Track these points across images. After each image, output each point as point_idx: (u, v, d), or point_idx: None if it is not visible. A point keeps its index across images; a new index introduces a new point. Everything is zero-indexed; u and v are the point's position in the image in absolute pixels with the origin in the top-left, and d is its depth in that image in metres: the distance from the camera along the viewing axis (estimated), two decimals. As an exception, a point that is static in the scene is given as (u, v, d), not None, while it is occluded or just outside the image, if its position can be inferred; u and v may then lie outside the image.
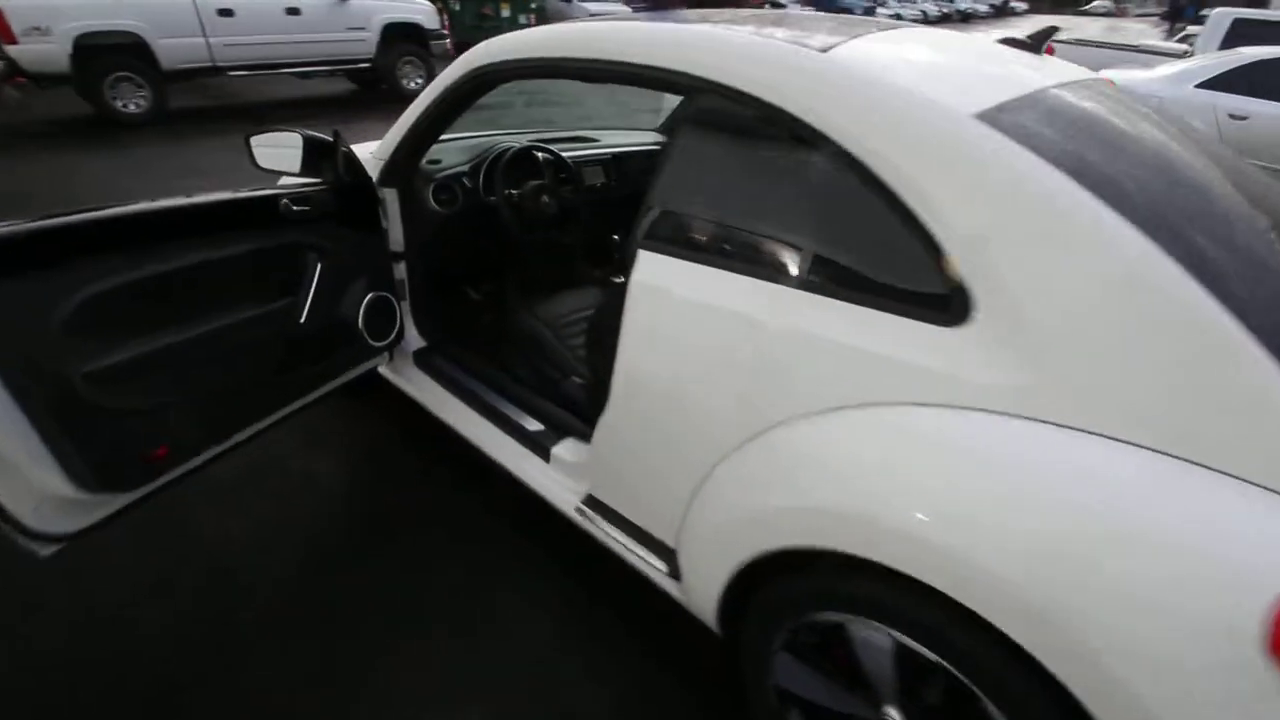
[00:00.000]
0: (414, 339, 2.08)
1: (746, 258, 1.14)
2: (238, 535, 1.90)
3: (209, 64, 6.82)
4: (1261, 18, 6.69)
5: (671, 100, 2.67)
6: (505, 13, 12.93)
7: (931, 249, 0.94)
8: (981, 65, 1.20)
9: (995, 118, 0.98)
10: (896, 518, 0.90)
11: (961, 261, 0.92)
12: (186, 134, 6.39)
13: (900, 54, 1.15)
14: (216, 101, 8.00)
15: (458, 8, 11.75)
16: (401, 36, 8.05)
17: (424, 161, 1.98)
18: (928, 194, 0.94)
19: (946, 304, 0.93)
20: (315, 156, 1.73)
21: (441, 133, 1.85)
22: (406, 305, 2.04)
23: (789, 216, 1.11)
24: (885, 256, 1.00)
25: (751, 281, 1.11)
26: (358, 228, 1.82)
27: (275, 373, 1.62)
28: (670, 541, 1.36)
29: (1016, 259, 0.89)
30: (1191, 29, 12.23)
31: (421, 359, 2.06)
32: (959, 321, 0.92)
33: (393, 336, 1.94)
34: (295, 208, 1.62)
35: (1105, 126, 1.11)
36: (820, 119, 1.04)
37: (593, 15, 14.64)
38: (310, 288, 1.65)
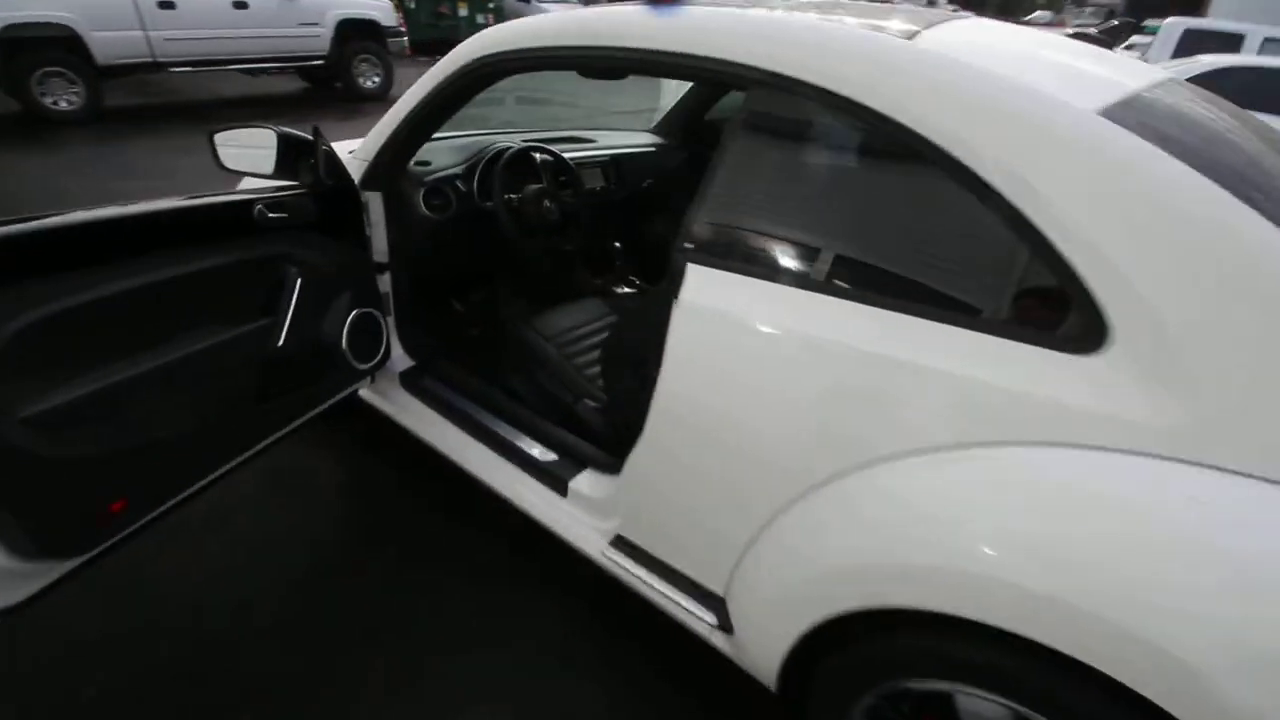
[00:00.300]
0: (399, 358, 1.88)
1: (827, 276, 1.00)
2: (202, 585, 1.67)
3: (149, 59, 6.39)
4: (1211, 28, 6.93)
5: (670, 98, 2.54)
6: (463, 11, 12.63)
7: (1058, 265, 0.82)
8: (1074, 60, 1.09)
9: (1121, 117, 0.86)
10: (1035, 580, 0.77)
11: (1096, 280, 0.79)
12: (125, 133, 5.96)
13: (989, 44, 1.03)
14: (158, 99, 7.51)
15: (413, 6, 11.40)
16: (357, 33, 7.71)
17: (412, 163, 1.79)
18: (1053, 203, 0.81)
19: (1079, 327, 0.81)
20: (292, 156, 1.53)
21: (433, 131, 1.66)
22: (391, 322, 1.85)
23: (878, 229, 0.97)
24: (1000, 274, 0.87)
25: (836, 303, 0.96)
26: (340, 237, 1.62)
27: (250, 404, 1.41)
28: (718, 589, 1.21)
29: (1162, 276, 0.77)
30: (1135, 39, 12.71)
31: (409, 380, 1.86)
32: (1093, 348, 0.80)
33: (379, 357, 1.74)
34: (271, 215, 1.42)
35: (1228, 130, 1.01)
36: (915, 118, 0.90)
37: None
38: (289, 306, 1.44)
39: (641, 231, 2.37)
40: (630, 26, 1.20)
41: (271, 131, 1.51)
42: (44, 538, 1.07)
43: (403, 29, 8.24)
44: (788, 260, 1.04)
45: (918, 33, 1.01)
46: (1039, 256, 0.83)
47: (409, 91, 1.60)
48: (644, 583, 1.31)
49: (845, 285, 0.97)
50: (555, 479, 1.51)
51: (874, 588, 0.92)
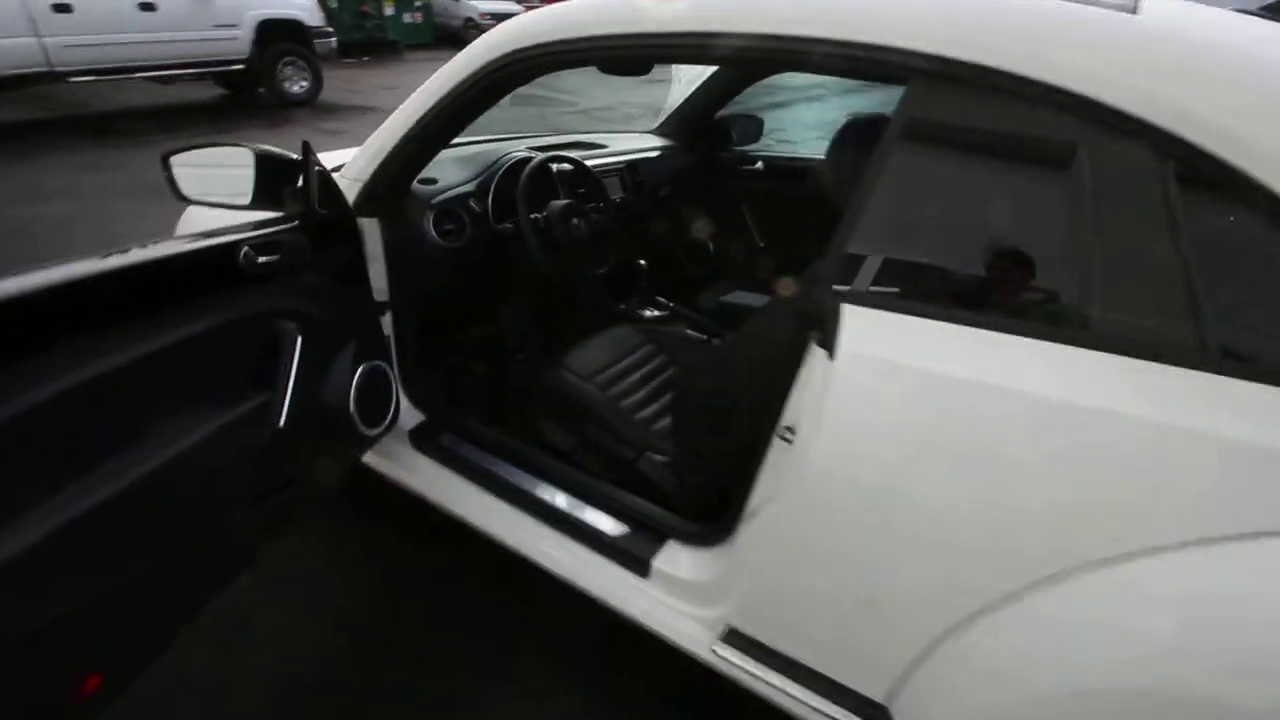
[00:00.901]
0: (406, 412, 1.58)
1: (1053, 318, 0.79)
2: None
3: (44, 69, 5.71)
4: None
5: (677, 97, 2.29)
6: (389, 10, 12.06)
7: None
8: None
9: None
10: None
11: None
12: (23, 152, 5.30)
13: (1212, 23, 0.83)
14: (58, 113, 6.76)
15: (335, 5, 10.77)
16: (280, 35, 7.13)
17: (415, 181, 1.49)
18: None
19: None
20: (275, 181, 1.22)
21: (447, 143, 1.38)
22: (395, 371, 1.55)
23: (1124, 258, 0.76)
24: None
25: (1072, 353, 0.75)
26: (341, 277, 1.32)
27: (248, 508, 1.10)
28: (877, 695, 0.99)
29: None
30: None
31: (421, 438, 1.57)
32: None
33: (389, 417, 1.45)
34: (261, 259, 1.11)
35: None
36: (1174, 114, 0.70)
37: (484, 13, 14.11)
38: (290, 374, 1.14)
39: (667, 246, 2.12)
40: (760, 5, 0.95)
41: (248, 151, 1.19)
42: None
43: (330, 29, 7.70)
44: (1001, 299, 0.82)
45: (1135, 4, 0.80)
46: None
47: (415, 96, 1.30)
48: (770, 685, 1.08)
49: (1083, 330, 0.76)
50: (632, 558, 1.26)
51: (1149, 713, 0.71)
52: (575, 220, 1.67)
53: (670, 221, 2.16)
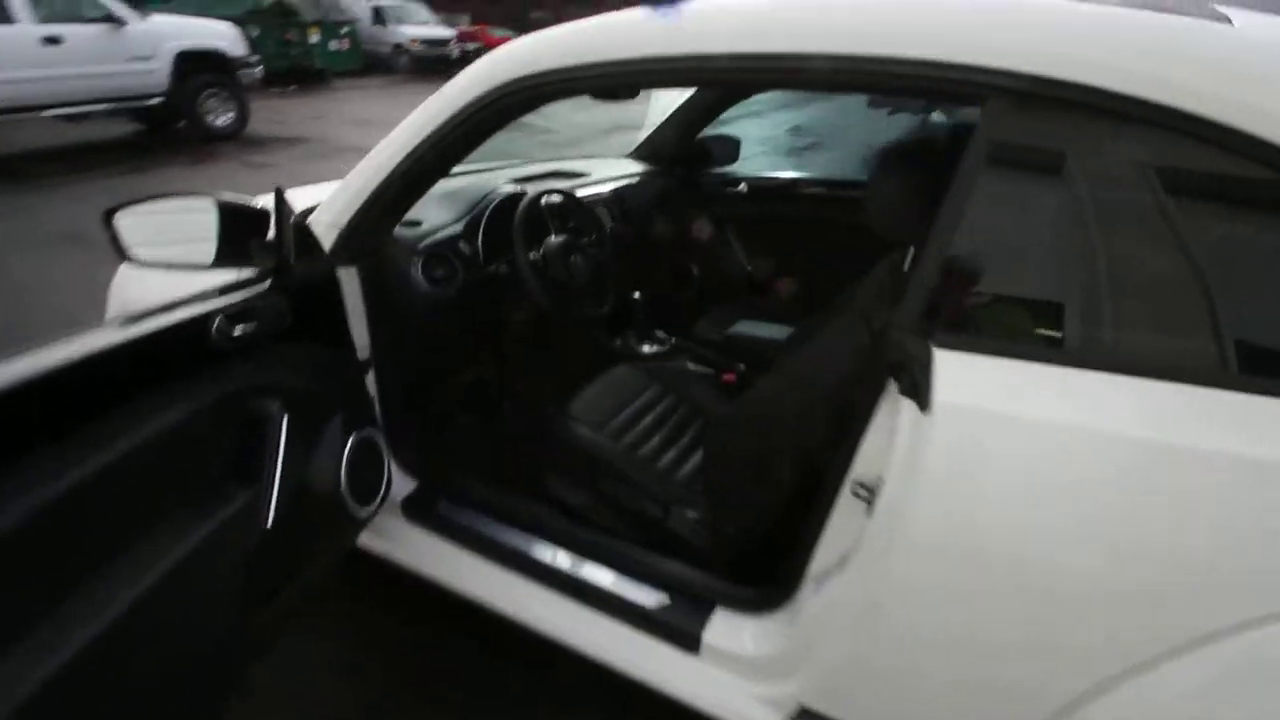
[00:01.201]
0: (398, 482, 1.42)
1: (1208, 361, 0.71)
2: None
3: (-67, 110, 5.24)
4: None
5: (657, 117, 2.20)
6: (314, 38, 11.69)
7: None
8: None
9: None
10: None
11: None
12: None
13: None
14: (-49, 157, 6.22)
15: (257, 34, 10.35)
16: (201, 66, 6.76)
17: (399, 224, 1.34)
18: None
19: None
20: (242, 234, 1.06)
21: (436, 181, 1.24)
22: (382, 437, 1.38)
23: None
24: None
25: (1235, 400, 0.67)
26: (321, 337, 1.16)
27: (235, 629, 0.93)
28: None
29: None
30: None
31: (415, 508, 1.41)
32: None
33: (383, 492, 1.28)
34: (237, 331, 0.95)
35: None
36: None
37: (414, 39, 13.85)
38: (277, 463, 0.97)
39: (659, 275, 2.02)
40: (817, 23, 0.85)
41: (209, 201, 1.03)
42: None
43: (255, 59, 7.36)
44: (1124, 338, 0.74)
45: (1226, 19, 0.75)
46: None
47: (398, 131, 1.16)
48: (853, 769, 0.97)
49: (1235, 373, 0.69)
50: (678, 632, 1.13)
51: None
52: (574, 257, 1.55)
53: (661, 249, 2.06)
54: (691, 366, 1.83)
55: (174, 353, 0.87)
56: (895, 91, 0.93)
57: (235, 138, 7.07)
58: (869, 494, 0.89)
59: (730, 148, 2.25)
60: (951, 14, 0.80)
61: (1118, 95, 0.70)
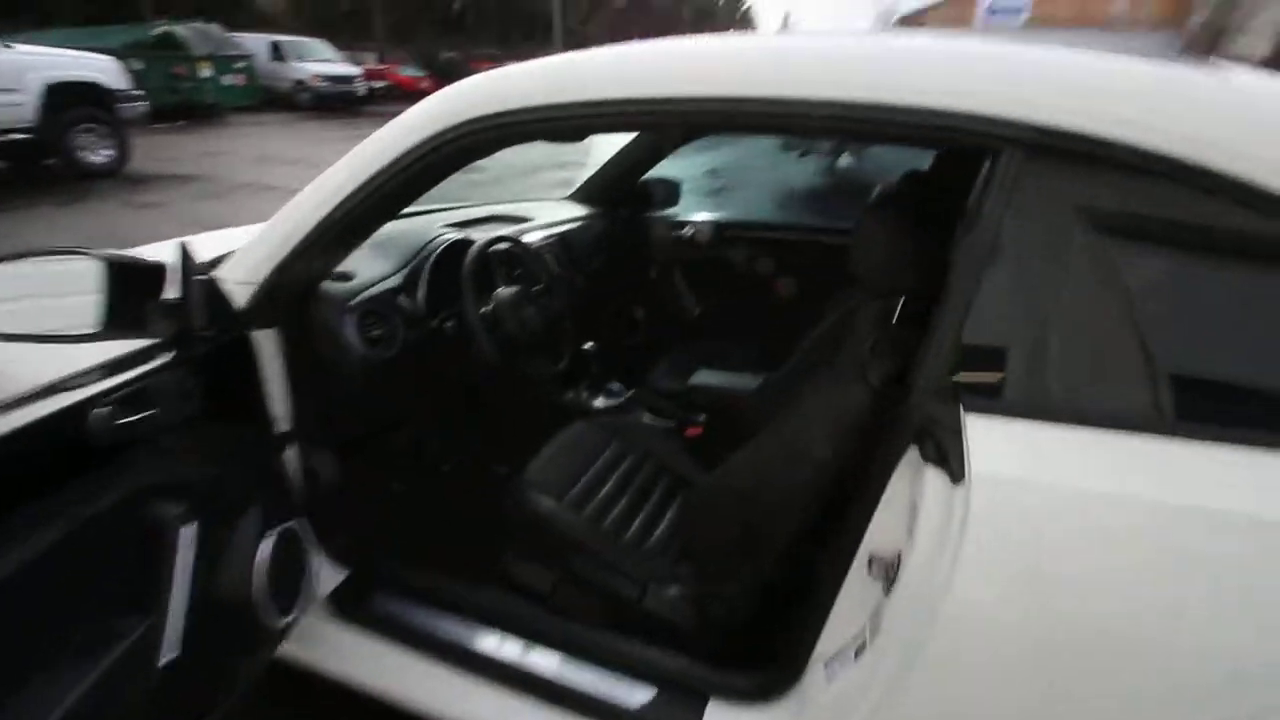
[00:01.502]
0: (324, 574, 1.22)
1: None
2: None
3: None
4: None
5: (599, 157, 2.11)
6: (205, 72, 11.10)
7: None
8: None
9: None
10: None
11: None
12: None
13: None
14: None
15: (141, 67, 9.69)
16: (74, 99, 6.20)
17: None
18: None
19: None
20: (134, 296, 0.87)
21: (376, 228, 1.09)
22: (304, 521, 1.19)
23: None
24: None
25: None
26: (233, 414, 0.97)
27: None
28: None
29: None
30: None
31: (345, 604, 1.21)
32: None
33: (305, 593, 1.09)
34: (123, 419, 0.76)
35: None
36: None
37: (316, 75, 13.41)
38: (180, 581, 0.78)
39: (606, 325, 1.90)
40: (831, 66, 0.79)
41: (94, 261, 0.84)
42: None
43: (138, 93, 6.83)
44: (1181, 401, 0.69)
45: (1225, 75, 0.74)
46: None
47: (332, 172, 1.01)
48: None
49: None
50: None
51: None
52: (527, 309, 1.41)
53: (607, 295, 1.95)
54: (648, 419, 1.72)
55: (41, 457, 0.68)
56: (896, 140, 0.88)
57: (115, 175, 6.51)
58: (886, 570, 0.81)
59: (671, 190, 2.20)
60: (971, 60, 0.75)
61: (1149, 151, 0.66)
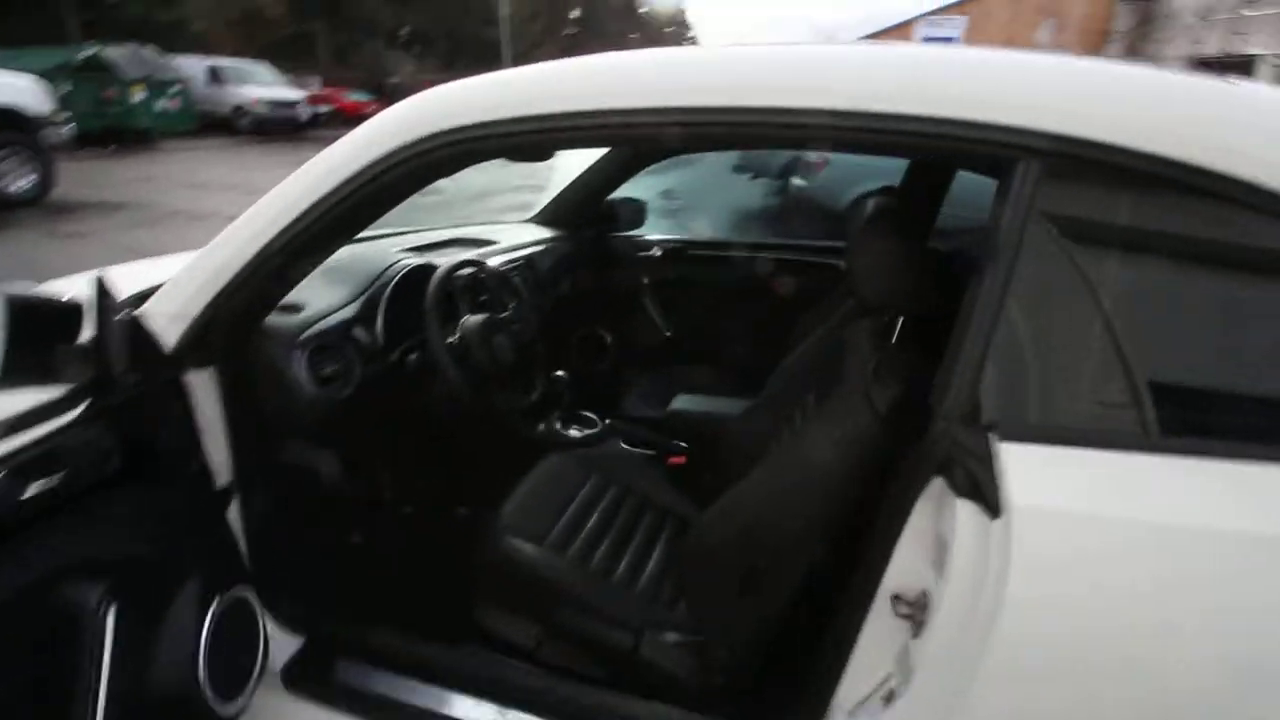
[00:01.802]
0: (276, 644, 1.08)
1: None
2: None
3: None
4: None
5: (562, 179, 2.03)
6: (137, 96, 10.65)
7: None
8: None
9: None
10: None
11: None
12: None
13: None
14: None
15: (69, 88, 9.25)
16: (-8, 124, 5.84)
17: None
18: None
19: None
20: (42, 339, 0.75)
21: (326, 256, 0.98)
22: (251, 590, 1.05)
23: None
24: None
25: None
26: (168, 473, 0.85)
27: None
28: None
29: None
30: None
31: (301, 678, 1.07)
32: None
33: (257, 668, 0.96)
34: (24, 488, 0.63)
35: None
36: None
37: (256, 99, 13.02)
38: (101, 677, 0.65)
39: (575, 350, 1.81)
40: (844, 75, 0.73)
41: (-11, 296, 0.71)
42: None
43: (64, 118, 6.47)
44: (1228, 420, 0.64)
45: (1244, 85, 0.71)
46: None
47: (273, 195, 0.90)
48: None
49: None
50: None
51: None
52: (496, 337, 1.31)
53: (575, 320, 1.86)
54: (625, 448, 1.63)
55: None
56: (907, 152, 0.83)
57: (37, 203, 6.13)
58: (913, 610, 0.74)
59: (637, 211, 2.13)
60: (989, 69, 0.71)
61: (1179, 162, 0.62)
